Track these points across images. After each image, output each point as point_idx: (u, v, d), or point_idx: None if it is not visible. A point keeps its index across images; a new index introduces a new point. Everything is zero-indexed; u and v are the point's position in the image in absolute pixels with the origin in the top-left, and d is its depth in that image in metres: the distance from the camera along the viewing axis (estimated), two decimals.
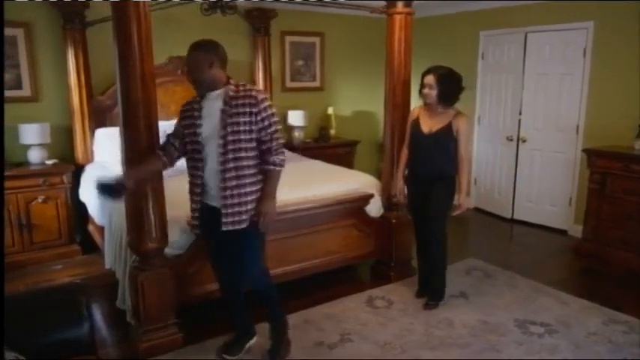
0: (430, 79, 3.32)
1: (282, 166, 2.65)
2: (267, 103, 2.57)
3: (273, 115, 2.59)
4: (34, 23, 4.53)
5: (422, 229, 3.58)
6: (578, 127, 5.00)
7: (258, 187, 2.61)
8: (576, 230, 4.97)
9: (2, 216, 2.54)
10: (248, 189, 2.57)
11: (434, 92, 3.31)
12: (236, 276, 2.79)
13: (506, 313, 3.46)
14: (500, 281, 4.00)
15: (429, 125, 3.40)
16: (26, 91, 4.51)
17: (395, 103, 3.83)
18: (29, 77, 4.56)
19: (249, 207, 2.58)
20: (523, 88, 5.42)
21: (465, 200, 3.42)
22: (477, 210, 6.07)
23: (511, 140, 5.59)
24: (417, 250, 3.73)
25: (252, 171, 2.57)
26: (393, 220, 3.96)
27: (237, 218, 2.57)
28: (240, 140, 2.51)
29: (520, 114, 5.49)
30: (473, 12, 5.83)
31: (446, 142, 3.35)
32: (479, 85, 5.92)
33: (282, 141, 2.68)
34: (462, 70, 5.70)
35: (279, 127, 2.66)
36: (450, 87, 3.32)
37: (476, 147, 6.05)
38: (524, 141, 5.48)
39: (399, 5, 3.69)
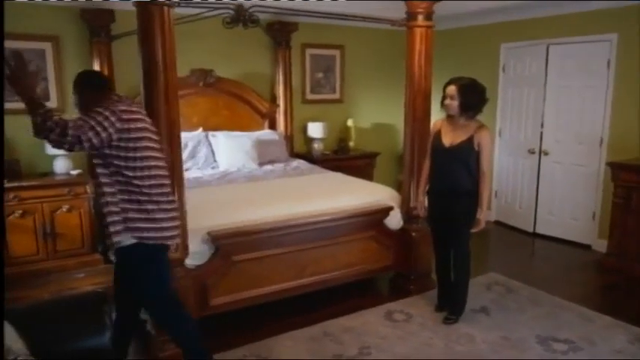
0: (452, 89, 3.29)
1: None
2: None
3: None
4: (63, 37, 4.65)
5: (441, 244, 3.55)
6: (601, 139, 4.93)
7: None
8: (600, 245, 4.88)
9: (2, 216, 2.58)
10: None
11: (455, 103, 3.27)
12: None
13: (528, 330, 3.40)
14: (522, 296, 3.93)
15: (450, 138, 3.35)
16: (54, 102, 4.61)
17: (415, 115, 3.83)
18: (56, 89, 4.68)
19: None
20: (545, 100, 5.37)
21: (484, 216, 3.36)
22: (498, 223, 5.99)
23: (533, 153, 5.53)
24: (435, 263, 3.69)
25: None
26: (413, 233, 3.93)
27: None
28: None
29: (542, 127, 5.43)
30: (494, 24, 5.81)
31: (467, 156, 3.29)
32: (499, 98, 5.88)
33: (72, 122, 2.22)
34: (483, 82, 5.68)
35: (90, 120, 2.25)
36: (472, 98, 3.28)
37: (497, 160, 5.99)
38: (546, 154, 5.41)
39: (420, 18, 3.70)
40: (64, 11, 4.59)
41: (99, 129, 2.23)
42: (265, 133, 5.50)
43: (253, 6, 3.56)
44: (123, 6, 4.52)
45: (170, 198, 2.51)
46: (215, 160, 5.00)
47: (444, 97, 3.35)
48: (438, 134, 3.42)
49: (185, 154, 4.24)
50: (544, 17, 5.26)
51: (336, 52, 6.22)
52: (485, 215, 3.37)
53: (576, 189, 5.19)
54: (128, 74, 4.68)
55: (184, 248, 2.97)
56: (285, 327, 3.39)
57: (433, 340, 3.27)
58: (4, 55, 2.71)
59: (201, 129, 5.15)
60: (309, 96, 6.14)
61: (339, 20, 4.14)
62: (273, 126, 5.72)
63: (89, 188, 4.55)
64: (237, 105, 5.48)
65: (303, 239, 3.51)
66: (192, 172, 4.62)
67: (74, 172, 4.58)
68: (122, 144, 2.31)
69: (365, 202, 3.87)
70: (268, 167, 5.05)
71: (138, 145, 2.34)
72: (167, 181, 2.50)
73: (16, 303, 3.65)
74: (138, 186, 2.36)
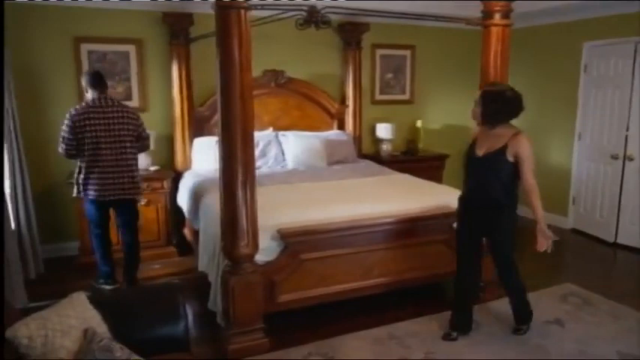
0: (477, 96, 3.10)
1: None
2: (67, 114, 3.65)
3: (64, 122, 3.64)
4: (145, 40, 4.92)
5: (465, 260, 3.30)
6: None
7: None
8: None
9: (2, 215, 2.75)
10: None
11: (478, 111, 3.07)
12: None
13: (607, 345, 3.21)
14: (601, 310, 3.71)
15: (484, 147, 3.09)
16: (135, 102, 4.89)
17: None
18: (138, 89, 4.95)
19: None
20: (631, 102, 5.03)
21: (544, 233, 3.06)
22: (575, 232, 5.69)
23: (616, 158, 5.20)
24: (455, 280, 3.38)
25: None
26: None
27: None
28: None
29: (627, 130, 5.10)
30: (576, 22, 5.51)
31: (499, 167, 3.02)
32: (580, 100, 5.58)
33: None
34: (562, 83, 5.44)
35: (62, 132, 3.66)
36: (494, 107, 3.00)
37: (575, 165, 5.69)
38: (631, 159, 5.07)
39: (497, 17, 3.58)
40: (147, 15, 4.85)
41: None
42: (334, 134, 5.53)
43: (326, 7, 3.59)
44: (201, 9, 4.70)
45: None
46: (284, 160, 5.10)
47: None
48: (474, 143, 3.18)
49: (256, 153, 4.34)
50: (632, 13, 4.92)
51: (407, 53, 6.15)
52: (546, 233, 3.06)
53: None
54: (205, 75, 4.87)
55: (255, 244, 3.04)
56: (351, 327, 3.40)
57: (503, 350, 3.16)
58: (4, 55, 2.92)
59: (271, 128, 5.26)
60: (379, 96, 6.11)
61: (412, 20, 4.09)
62: (342, 126, 5.75)
63: (166, 184, 4.78)
64: (307, 105, 5.55)
65: (370, 240, 3.50)
66: (262, 170, 4.73)
67: (152, 169, 4.83)
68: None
69: (434, 204, 3.79)
70: (336, 167, 5.08)
71: None
72: None
73: (100, 291, 3.92)
74: None
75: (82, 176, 3.70)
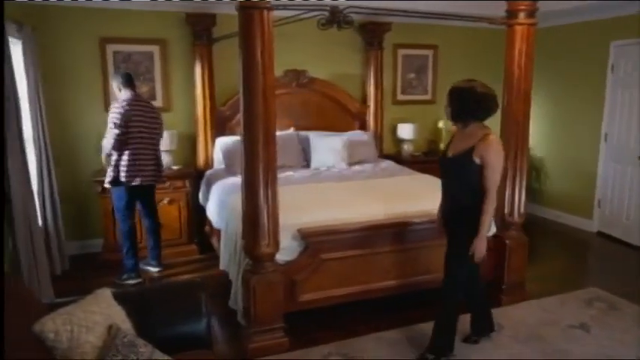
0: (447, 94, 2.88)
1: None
2: (114, 108, 3.97)
3: (112, 114, 3.93)
4: (169, 41, 4.97)
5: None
6: None
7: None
8: None
9: (2, 215, 2.80)
10: None
11: (448, 110, 2.86)
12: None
13: (635, 350, 3.14)
14: (627, 315, 3.63)
15: (454, 147, 2.89)
16: (159, 101, 4.95)
17: (513, 118, 3.66)
18: (162, 89, 5.01)
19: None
20: None
21: (480, 244, 2.79)
22: (601, 235, 5.57)
23: None
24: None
25: None
26: (507, 241, 3.76)
27: None
28: None
29: None
30: (603, 20, 5.40)
31: (464, 169, 2.79)
32: (607, 100, 5.47)
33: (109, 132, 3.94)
34: (588, 83, 5.34)
35: (111, 124, 3.91)
36: (462, 104, 2.78)
37: (601, 166, 5.58)
38: None
39: (521, 16, 3.53)
40: (171, 16, 4.90)
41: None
42: (355, 134, 5.52)
43: (348, 7, 3.59)
44: (224, 10, 4.74)
45: None
46: (305, 159, 5.10)
47: None
48: (449, 144, 3.00)
49: (277, 153, 4.36)
50: None
51: (429, 53, 6.11)
52: (481, 244, 2.80)
53: None
54: (227, 75, 4.91)
55: (276, 243, 3.05)
56: (371, 328, 3.39)
57: (526, 353, 3.12)
58: (4, 55, 2.99)
59: (293, 128, 5.27)
60: (400, 97, 6.08)
61: (435, 20, 4.06)
62: (363, 126, 5.73)
63: (188, 183, 4.83)
64: (329, 105, 5.55)
65: (391, 241, 3.48)
66: (283, 170, 4.74)
67: (175, 167, 4.88)
68: None
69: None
70: (357, 167, 5.06)
71: None
72: None
73: (123, 288, 3.98)
74: None
75: (123, 164, 3.99)
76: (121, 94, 4.06)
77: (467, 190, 2.82)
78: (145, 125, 4.08)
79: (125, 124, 3.94)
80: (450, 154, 2.91)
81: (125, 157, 4.00)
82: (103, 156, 4.18)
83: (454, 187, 2.90)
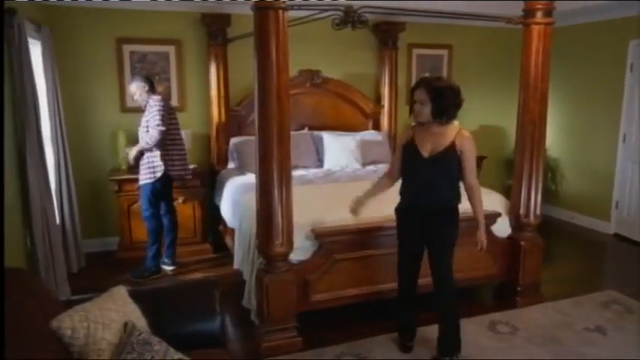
0: (421, 93, 2.79)
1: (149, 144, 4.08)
2: (155, 107, 4.06)
3: (156, 112, 4.04)
4: (184, 41, 5.01)
5: (407, 270, 3.09)
6: None
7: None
8: None
9: (2, 214, 2.82)
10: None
11: (427, 109, 2.78)
12: None
13: None
14: None
15: (429, 147, 2.83)
16: (175, 101, 4.98)
17: (529, 118, 3.62)
18: (177, 89, 5.05)
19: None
20: None
21: (483, 235, 2.93)
22: (618, 237, 5.49)
23: None
24: (398, 292, 3.16)
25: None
26: (522, 242, 3.73)
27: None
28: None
29: None
30: (621, 19, 5.32)
31: (450, 166, 2.83)
32: (625, 100, 5.39)
33: (156, 129, 4.03)
34: (606, 83, 5.29)
35: (158, 121, 4.02)
36: (446, 102, 2.77)
37: (619, 167, 5.50)
38: None
39: (538, 15, 3.49)
40: (186, 16, 4.94)
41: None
42: (369, 134, 5.51)
43: (363, 7, 3.58)
44: (239, 10, 4.76)
45: None
46: (319, 159, 5.11)
47: (412, 102, 2.88)
48: (412, 144, 2.89)
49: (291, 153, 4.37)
50: None
51: (444, 52, 6.07)
52: (484, 235, 2.94)
53: None
54: (241, 75, 4.94)
55: (289, 243, 3.06)
56: (384, 328, 3.38)
57: (541, 355, 3.09)
58: (4, 54, 3.03)
59: (307, 128, 5.28)
60: None
61: (449, 19, 4.04)
62: (377, 126, 5.72)
63: (203, 182, 4.86)
64: (342, 105, 5.55)
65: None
66: (297, 170, 4.74)
67: (190, 167, 4.90)
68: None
69: (470, 206, 3.72)
70: (371, 167, 5.05)
71: None
72: None
73: (135, 285, 4.01)
74: None
75: (165, 158, 4.18)
76: (152, 96, 4.16)
77: (450, 187, 2.88)
78: (177, 123, 4.34)
79: (167, 121, 4.12)
80: (425, 154, 2.84)
81: (175, 152, 4.25)
82: (133, 154, 4.24)
83: (439, 185, 2.86)
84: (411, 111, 2.95)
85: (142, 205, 4.35)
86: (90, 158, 4.86)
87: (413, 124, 2.99)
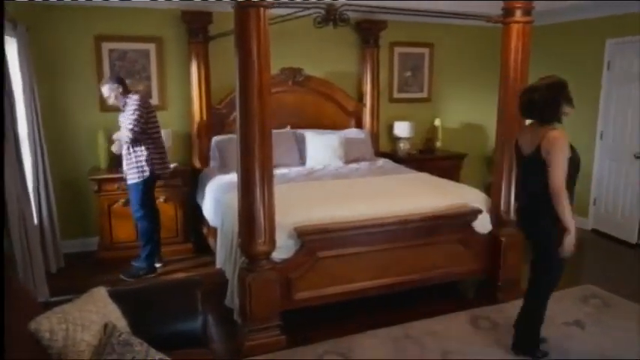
0: (534, 93, 2.88)
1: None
2: (132, 106, 4.02)
3: (132, 112, 4.01)
4: (165, 38, 4.96)
5: None
6: None
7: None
8: None
9: (2, 213, 2.80)
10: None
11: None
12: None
13: (631, 347, 3.15)
14: (623, 312, 3.65)
15: (527, 146, 2.89)
16: (155, 100, 4.92)
17: (509, 115, 3.66)
18: (157, 88, 4.99)
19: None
20: None
21: (570, 240, 2.77)
22: (596, 232, 5.60)
23: (638, 158, 5.10)
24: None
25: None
26: (502, 238, 3.78)
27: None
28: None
29: None
30: (599, 18, 5.41)
31: (537, 167, 2.78)
32: (602, 98, 5.48)
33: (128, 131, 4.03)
34: (584, 81, 5.36)
35: (132, 121, 4.00)
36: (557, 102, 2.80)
37: (596, 164, 5.60)
38: None
39: (518, 14, 3.54)
40: (167, 14, 4.89)
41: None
42: (351, 132, 5.52)
43: (344, 5, 3.59)
44: (220, 8, 4.73)
45: None
46: (302, 158, 5.10)
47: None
48: (518, 142, 2.99)
49: (273, 151, 4.36)
50: None
51: (425, 51, 6.11)
52: (572, 240, 2.77)
53: None
54: (222, 73, 4.90)
55: (272, 242, 3.05)
56: (367, 326, 3.40)
57: None
58: (4, 55, 2.98)
59: (289, 127, 5.27)
60: (397, 95, 6.08)
61: (430, 18, 4.07)
62: (359, 124, 5.73)
63: (183, 181, 4.82)
64: (325, 103, 5.55)
65: (387, 239, 3.48)
66: (279, 168, 4.74)
67: (171, 166, 4.85)
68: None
69: (452, 203, 3.76)
70: (354, 165, 5.07)
71: None
72: None
73: (117, 285, 3.97)
74: None
75: (150, 157, 4.16)
76: (130, 96, 4.10)
77: (544, 188, 2.74)
78: (157, 121, 4.28)
79: (145, 122, 4.09)
80: (524, 153, 2.89)
81: (154, 151, 4.20)
82: (117, 148, 4.24)
83: (531, 185, 2.86)
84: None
85: (132, 206, 4.27)
86: (69, 158, 4.79)
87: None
